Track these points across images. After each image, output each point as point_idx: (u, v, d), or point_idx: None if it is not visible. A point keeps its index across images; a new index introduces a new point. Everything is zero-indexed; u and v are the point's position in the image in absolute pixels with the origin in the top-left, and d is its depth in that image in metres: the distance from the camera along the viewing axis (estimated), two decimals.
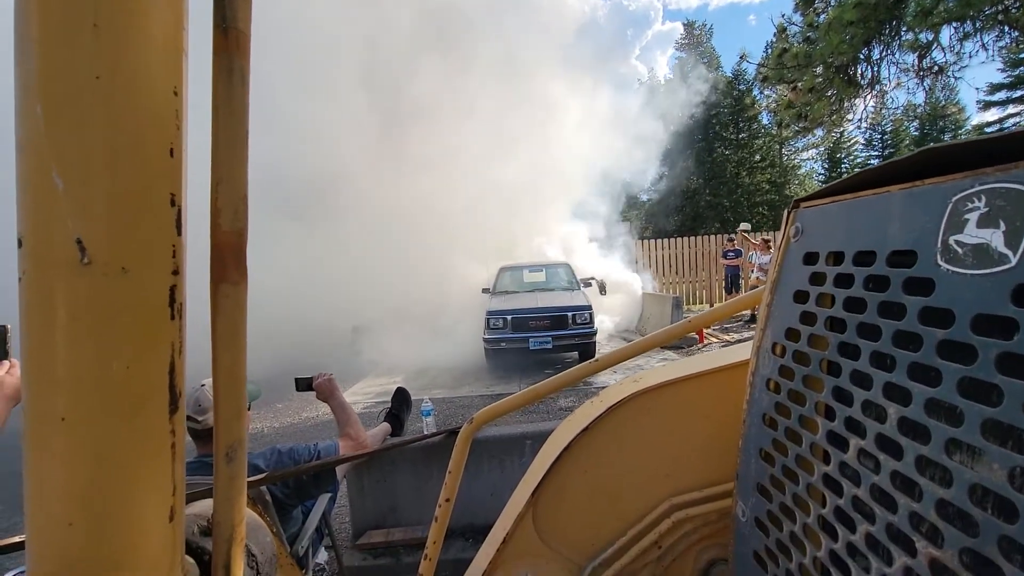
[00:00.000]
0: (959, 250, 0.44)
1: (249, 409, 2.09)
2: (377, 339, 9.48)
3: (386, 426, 2.89)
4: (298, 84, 11.80)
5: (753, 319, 10.15)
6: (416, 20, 13.08)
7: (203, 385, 1.95)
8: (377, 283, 10.55)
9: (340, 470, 2.33)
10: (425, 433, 2.89)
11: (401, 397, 3.24)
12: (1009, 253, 0.40)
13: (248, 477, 1.73)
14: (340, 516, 3.45)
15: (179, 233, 0.44)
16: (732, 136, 30.42)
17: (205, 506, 0.63)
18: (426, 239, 11.45)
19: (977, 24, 7.03)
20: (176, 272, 0.44)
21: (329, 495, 2.31)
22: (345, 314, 9.99)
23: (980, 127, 29.59)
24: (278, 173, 10.67)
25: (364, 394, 7.38)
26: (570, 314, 7.70)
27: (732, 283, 13.17)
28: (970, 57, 7.55)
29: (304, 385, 2.39)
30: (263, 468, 1.94)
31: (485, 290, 9.30)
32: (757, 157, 30.36)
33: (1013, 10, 6.61)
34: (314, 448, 2.14)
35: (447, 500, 1.05)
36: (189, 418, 1.86)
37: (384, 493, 3.03)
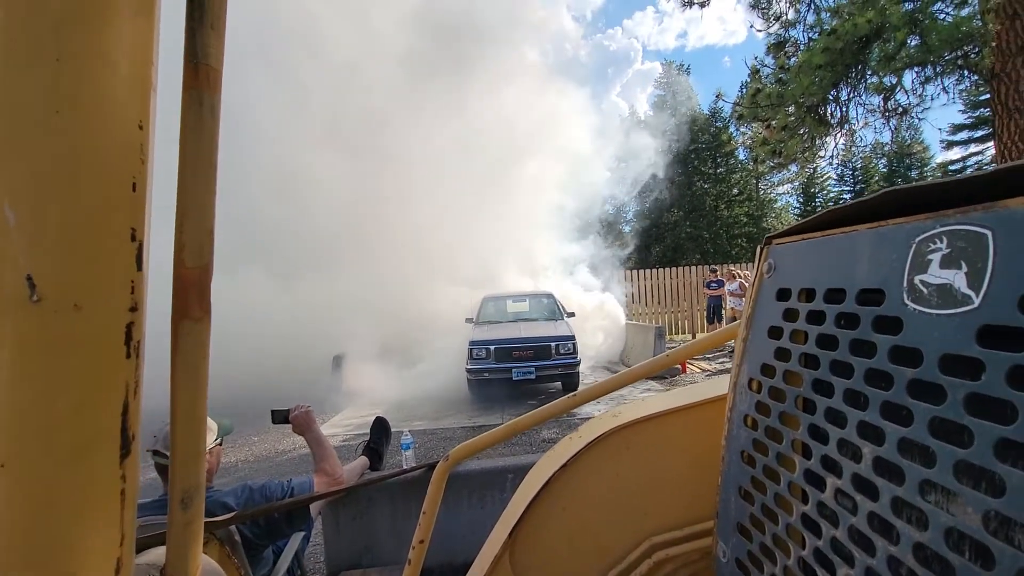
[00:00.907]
0: (924, 290, 0.45)
1: (220, 444, 2.01)
2: (358, 369, 9.32)
3: (364, 460, 2.80)
4: (280, 114, 11.94)
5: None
6: (401, 49, 13.40)
7: None
8: (359, 312, 10.45)
9: (314, 507, 2.24)
10: (404, 468, 2.81)
11: (380, 429, 3.15)
12: (972, 294, 0.40)
13: (217, 516, 1.64)
14: (314, 555, 3.31)
15: (139, 268, 0.43)
16: (710, 171, 31.34)
17: (160, 553, 0.60)
18: (409, 268, 11.44)
19: (938, 69, 7.43)
20: (134, 309, 0.43)
21: (303, 534, 2.22)
22: (326, 344, 9.84)
23: (944, 164, 31.00)
24: (261, 203, 10.67)
25: (344, 426, 7.20)
26: (553, 344, 7.68)
27: (714, 313, 13.34)
28: (932, 99, 7.94)
29: (280, 418, 2.33)
30: (233, 506, 1.85)
31: (468, 320, 9.25)
32: (735, 191, 31.26)
33: (972, 55, 7.01)
34: (287, 485, 2.06)
35: (421, 542, 1.01)
36: (158, 453, 1.79)
37: (361, 531, 2.91)
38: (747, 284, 10.90)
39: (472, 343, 7.75)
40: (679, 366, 9.16)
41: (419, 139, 13.15)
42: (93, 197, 0.39)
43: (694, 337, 15.38)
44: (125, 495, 0.43)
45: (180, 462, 0.48)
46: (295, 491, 2.04)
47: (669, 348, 10.12)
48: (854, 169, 34.01)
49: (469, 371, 7.66)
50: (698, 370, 9.52)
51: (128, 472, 0.43)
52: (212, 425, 1.95)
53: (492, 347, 7.64)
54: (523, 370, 7.52)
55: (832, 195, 34.43)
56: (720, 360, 10.44)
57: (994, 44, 6.75)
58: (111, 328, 0.41)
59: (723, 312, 13.09)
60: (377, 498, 2.89)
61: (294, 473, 5.25)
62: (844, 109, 8.27)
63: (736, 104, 9.51)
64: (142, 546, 0.98)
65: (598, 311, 12.07)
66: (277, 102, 11.81)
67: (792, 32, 8.92)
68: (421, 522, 1.01)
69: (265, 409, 2.46)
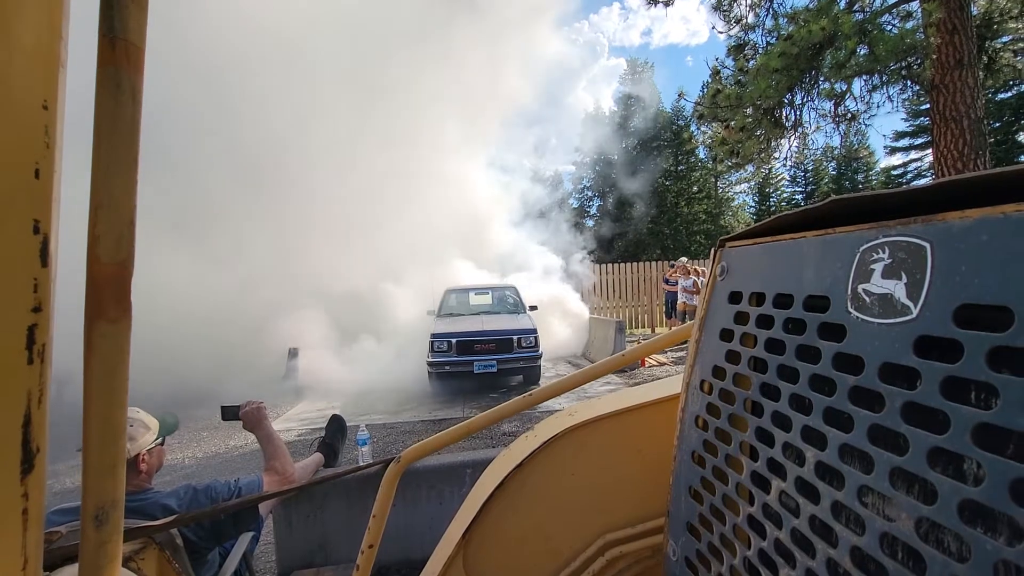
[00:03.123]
0: (867, 299, 0.46)
1: (162, 444, 1.91)
2: (315, 362, 9.09)
3: (318, 457, 2.73)
4: (234, 105, 11.48)
5: None
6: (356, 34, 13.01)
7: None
8: (316, 303, 10.18)
9: (265, 506, 2.17)
10: (360, 464, 2.76)
11: (336, 425, 3.09)
12: (911, 304, 0.41)
13: (158, 520, 1.55)
14: (265, 555, 3.21)
15: (44, 264, 0.38)
16: (672, 168, 32.01)
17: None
18: (369, 257, 11.20)
19: (884, 78, 7.83)
20: (38, 309, 0.38)
21: (251, 534, 2.14)
22: (282, 335, 9.53)
23: (887, 169, 32.78)
24: (208, 185, 10.23)
25: (299, 420, 7.00)
26: (515, 337, 7.69)
27: (672, 308, 13.67)
28: (878, 107, 8.40)
29: (231, 414, 2.24)
30: (175, 508, 1.76)
31: (430, 312, 9.16)
32: (695, 188, 32.06)
33: (915, 66, 7.41)
34: (235, 484, 1.98)
35: (370, 547, 0.98)
36: None
37: (314, 529, 2.85)
38: (700, 282, 11.25)
39: (433, 335, 7.67)
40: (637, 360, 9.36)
41: (385, 129, 12.84)
42: None
43: (653, 331, 15.75)
44: (28, 515, 0.39)
45: (94, 474, 0.44)
46: (242, 491, 1.97)
47: (630, 342, 10.31)
48: (806, 171, 35.48)
49: (430, 364, 7.58)
50: (655, 363, 9.75)
51: (31, 490, 0.39)
52: (151, 424, 1.85)
53: (454, 340, 7.58)
54: (485, 363, 7.50)
55: (785, 195, 35.88)
56: (677, 351, 10.73)
57: (935, 57, 7.17)
58: (9, 331, 0.37)
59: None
60: (332, 495, 2.82)
61: (247, 469, 5.08)
62: (798, 113, 8.61)
63: (697, 104, 9.74)
64: (67, 556, 0.91)
65: (561, 305, 12.17)
66: (228, 91, 11.33)
67: (751, 35, 9.21)
68: (371, 526, 0.98)
69: (216, 404, 2.38)
